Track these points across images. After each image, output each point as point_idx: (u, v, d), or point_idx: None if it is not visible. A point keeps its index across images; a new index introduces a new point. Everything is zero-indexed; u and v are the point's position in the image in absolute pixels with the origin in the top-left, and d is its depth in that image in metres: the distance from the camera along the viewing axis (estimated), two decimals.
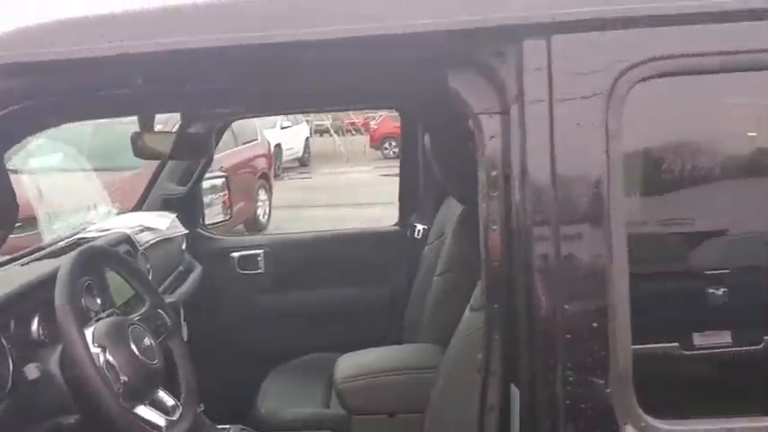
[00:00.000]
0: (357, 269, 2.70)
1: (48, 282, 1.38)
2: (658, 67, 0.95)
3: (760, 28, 0.94)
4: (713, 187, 1.06)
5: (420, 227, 2.63)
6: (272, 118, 11.97)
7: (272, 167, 9.57)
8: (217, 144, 2.60)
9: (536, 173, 0.99)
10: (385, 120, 16.09)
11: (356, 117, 19.40)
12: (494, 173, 1.04)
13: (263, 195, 8.42)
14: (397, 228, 2.82)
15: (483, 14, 0.99)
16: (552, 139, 0.98)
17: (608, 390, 0.98)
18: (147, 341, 1.37)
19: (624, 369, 0.98)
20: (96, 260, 1.53)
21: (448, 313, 1.77)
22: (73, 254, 1.45)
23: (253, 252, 2.72)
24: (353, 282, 2.70)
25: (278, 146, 12.98)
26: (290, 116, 13.62)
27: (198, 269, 2.45)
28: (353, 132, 19.36)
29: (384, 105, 4.19)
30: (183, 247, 2.48)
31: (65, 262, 1.39)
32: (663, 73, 0.95)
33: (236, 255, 2.71)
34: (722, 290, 1.03)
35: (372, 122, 17.75)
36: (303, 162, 15.95)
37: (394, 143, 15.02)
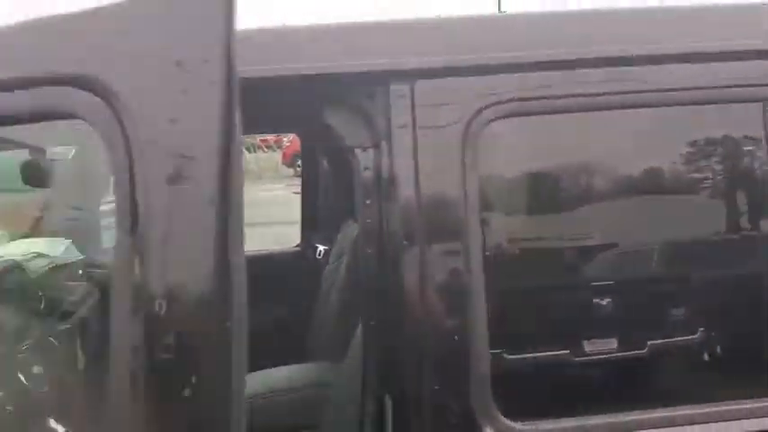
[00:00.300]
0: (258, 291, 2.72)
1: None
2: (506, 109, 1.08)
3: (589, 74, 1.08)
4: (555, 208, 1.19)
5: (321, 248, 2.69)
6: None
7: None
8: None
9: (403, 199, 1.09)
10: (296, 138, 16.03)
11: (268, 134, 19.28)
12: (368, 201, 1.13)
13: None
14: (298, 249, 2.88)
15: (356, 60, 1.10)
16: (417, 169, 1.09)
17: (469, 396, 1.08)
18: (35, 369, 1.38)
19: (483, 376, 1.09)
20: None
21: (345, 330, 1.84)
22: None
23: None
24: (254, 303, 2.72)
25: None
26: None
27: (96, 295, 2.42)
28: (265, 150, 19.25)
29: (286, 130, 4.30)
30: (80, 272, 2.45)
31: None
32: (510, 114, 1.08)
33: None
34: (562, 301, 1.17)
35: (285, 140, 17.71)
36: None
37: None
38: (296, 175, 16.41)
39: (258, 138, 19.53)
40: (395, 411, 1.10)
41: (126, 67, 0.88)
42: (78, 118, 0.91)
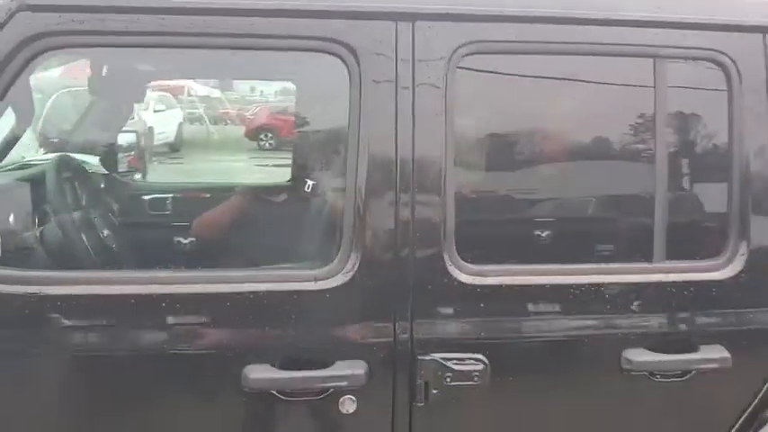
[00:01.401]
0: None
1: None
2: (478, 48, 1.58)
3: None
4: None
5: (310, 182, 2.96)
6: (145, 99, 11.87)
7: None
8: None
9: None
10: (262, 111, 16.17)
11: (231, 107, 19.29)
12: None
13: None
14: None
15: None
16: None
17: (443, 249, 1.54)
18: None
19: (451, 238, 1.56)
20: None
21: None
22: None
23: None
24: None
25: (150, 129, 12.87)
26: (164, 100, 13.44)
27: None
28: (228, 122, 19.32)
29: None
30: None
31: None
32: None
33: None
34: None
35: (248, 113, 17.81)
36: (175, 147, 15.80)
37: (270, 135, 15.15)
38: (259, 149, 16.62)
39: (221, 109, 19.61)
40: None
41: None
42: None
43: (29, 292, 1.49)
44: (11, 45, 1.45)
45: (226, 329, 1.58)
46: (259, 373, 1.55)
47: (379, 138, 1.58)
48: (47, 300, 1.49)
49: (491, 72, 1.68)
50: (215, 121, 19.06)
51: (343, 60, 1.58)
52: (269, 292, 1.58)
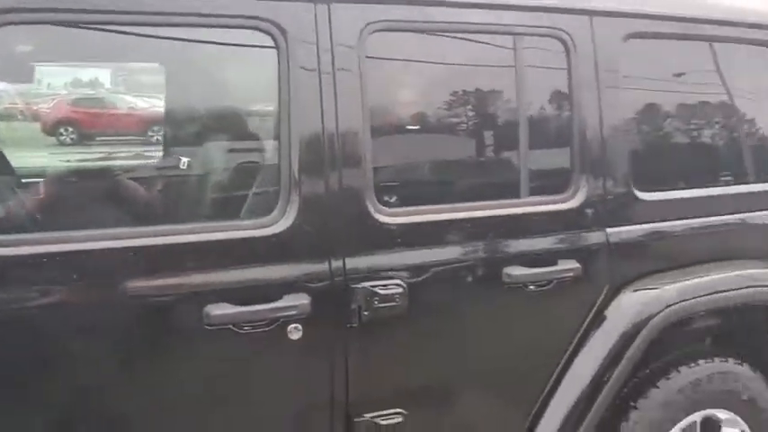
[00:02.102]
0: None
1: None
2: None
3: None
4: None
5: (185, 159, 3.09)
6: None
7: None
8: None
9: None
10: (59, 103, 15.11)
11: (20, 101, 17.74)
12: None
13: None
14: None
15: None
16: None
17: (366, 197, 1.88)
18: None
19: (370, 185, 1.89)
20: None
21: None
22: None
23: None
24: None
25: None
26: None
27: None
28: (20, 117, 17.80)
29: None
30: None
31: None
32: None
33: None
34: None
35: (44, 105, 16.52)
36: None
37: (71, 129, 14.25)
38: (60, 144, 15.55)
39: (7, 103, 18.02)
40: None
41: None
42: None
43: None
44: None
45: (188, 275, 1.77)
46: (219, 310, 1.77)
47: (305, 109, 1.85)
48: None
49: (398, 49, 2.02)
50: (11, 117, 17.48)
51: (273, 37, 1.83)
52: (222, 241, 1.80)
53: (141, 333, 1.76)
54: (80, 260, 1.67)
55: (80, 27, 1.76)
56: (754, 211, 2.56)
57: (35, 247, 1.65)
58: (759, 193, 2.59)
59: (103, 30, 1.79)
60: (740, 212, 2.53)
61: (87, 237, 1.71)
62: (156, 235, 1.76)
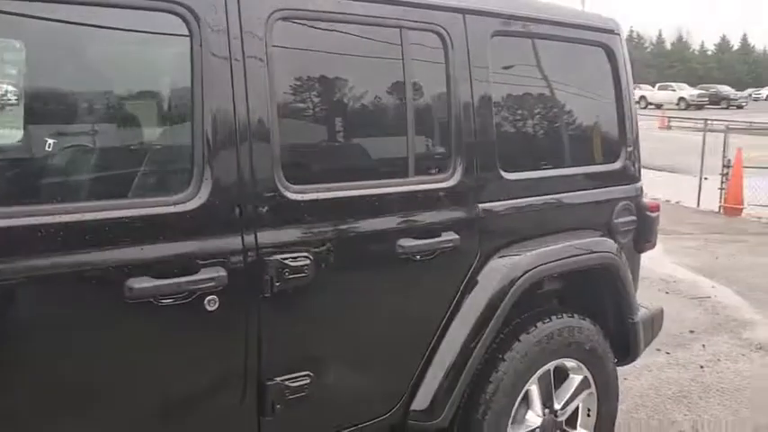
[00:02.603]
0: None
1: None
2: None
3: None
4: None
5: (50, 140, 2.97)
6: None
7: None
8: None
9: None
10: None
11: None
12: None
13: None
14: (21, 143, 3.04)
15: None
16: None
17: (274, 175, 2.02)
18: None
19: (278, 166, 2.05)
20: None
21: None
22: None
23: None
24: None
25: None
26: None
27: None
28: None
29: None
30: None
31: None
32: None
33: None
34: None
35: None
36: None
37: None
38: None
39: None
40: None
41: None
42: None
43: None
44: None
45: (109, 250, 1.82)
46: (140, 283, 1.83)
47: (217, 91, 1.96)
48: None
49: (300, 38, 2.17)
50: None
51: (186, 23, 1.91)
52: (142, 217, 1.86)
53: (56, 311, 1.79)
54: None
55: None
56: (591, 189, 3.01)
57: None
58: (598, 173, 3.05)
59: None
60: (582, 190, 2.96)
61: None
62: (77, 212, 1.78)
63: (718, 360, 4.82)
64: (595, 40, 3.10)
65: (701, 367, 4.67)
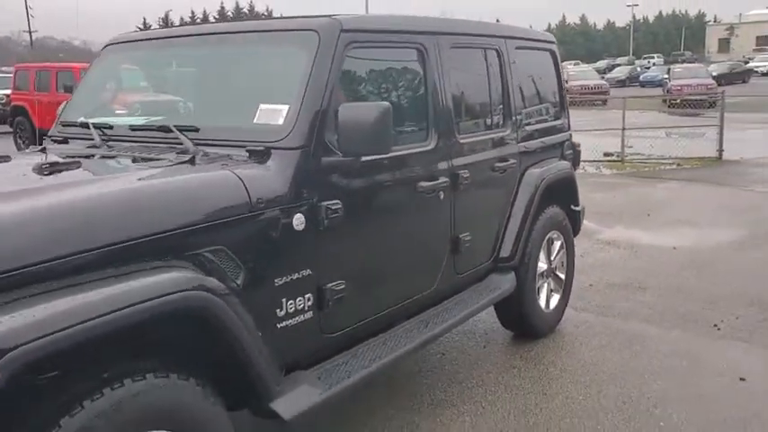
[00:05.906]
0: None
1: None
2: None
3: None
4: None
5: None
6: None
7: None
8: None
9: None
10: None
11: None
12: None
13: None
14: None
15: None
16: None
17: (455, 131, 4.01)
18: None
19: None
20: None
21: None
22: None
23: None
24: None
25: None
26: None
27: None
28: None
29: None
30: None
31: None
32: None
33: None
34: None
35: None
36: None
37: None
38: None
39: None
40: None
41: None
42: None
43: None
44: None
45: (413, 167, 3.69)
46: (424, 184, 3.73)
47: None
48: None
49: None
50: None
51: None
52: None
53: None
54: None
55: None
56: (554, 135, 5.27)
57: None
58: (554, 126, 5.29)
59: None
60: (551, 135, 5.21)
61: None
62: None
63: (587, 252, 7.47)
64: (546, 48, 5.36)
65: (581, 255, 7.24)
